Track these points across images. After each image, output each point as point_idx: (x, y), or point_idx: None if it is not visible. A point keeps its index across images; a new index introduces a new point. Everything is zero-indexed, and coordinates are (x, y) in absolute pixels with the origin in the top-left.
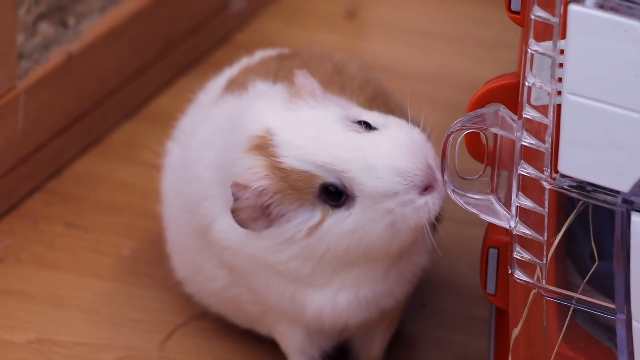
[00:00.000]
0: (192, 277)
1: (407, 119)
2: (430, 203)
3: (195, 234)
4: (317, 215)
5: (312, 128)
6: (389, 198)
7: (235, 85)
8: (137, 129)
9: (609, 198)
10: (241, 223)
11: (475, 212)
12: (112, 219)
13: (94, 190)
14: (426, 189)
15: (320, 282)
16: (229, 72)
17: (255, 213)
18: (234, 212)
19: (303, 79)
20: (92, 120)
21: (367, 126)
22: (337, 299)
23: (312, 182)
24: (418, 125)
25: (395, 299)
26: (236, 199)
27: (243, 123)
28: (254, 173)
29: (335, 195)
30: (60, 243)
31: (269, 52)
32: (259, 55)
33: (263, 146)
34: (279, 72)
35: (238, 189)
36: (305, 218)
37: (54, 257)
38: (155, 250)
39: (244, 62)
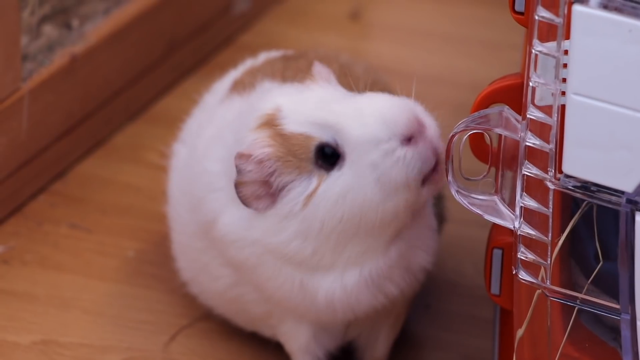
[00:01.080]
0: (196, 277)
1: None
2: (410, 155)
3: (199, 233)
4: (313, 183)
5: (316, 97)
6: (373, 147)
7: (241, 86)
8: (142, 131)
9: (613, 198)
10: (244, 200)
11: (479, 212)
12: (117, 221)
13: (98, 191)
14: (410, 140)
15: (324, 263)
16: (234, 74)
17: (258, 190)
18: (237, 186)
19: (320, 67)
20: (96, 122)
21: None
22: (345, 280)
23: (309, 144)
24: None
25: (397, 288)
26: (239, 171)
27: (257, 107)
28: (257, 142)
29: (330, 158)
30: (65, 244)
31: (274, 54)
32: (264, 56)
33: (270, 121)
34: (285, 72)
35: (241, 159)
36: (302, 188)
37: (58, 258)
38: (160, 252)
39: (249, 63)
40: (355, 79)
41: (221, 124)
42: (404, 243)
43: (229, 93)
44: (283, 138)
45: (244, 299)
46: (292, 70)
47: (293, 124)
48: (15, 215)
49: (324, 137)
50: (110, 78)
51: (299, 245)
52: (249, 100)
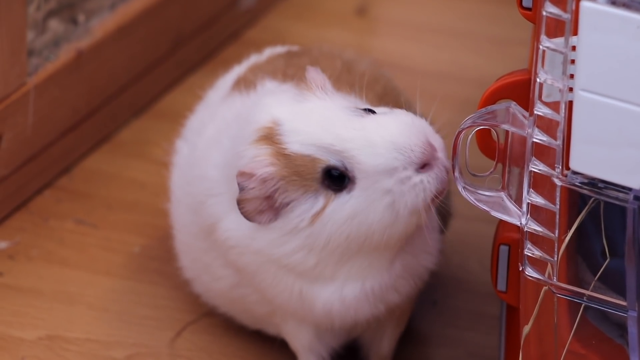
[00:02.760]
0: (199, 276)
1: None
2: (426, 181)
3: (201, 234)
4: (320, 202)
5: (317, 115)
6: (387, 175)
7: (243, 84)
8: (147, 126)
9: (620, 195)
10: (247, 215)
11: (486, 209)
12: (122, 216)
13: (104, 187)
14: (424, 166)
15: (326, 275)
16: (238, 70)
17: (261, 205)
18: (239, 203)
19: (314, 73)
20: (102, 117)
21: (372, 113)
22: (345, 292)
23: (315, 166)
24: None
25: (400, 295)
26: (242, 189)
27: (251, 117)
28: (260, 161)
29: (337, 179)
30: (70, 240)
31: (278, 50)
32: (268, 52)
33: (270, 136)
34: (287, 69)
35: (243, 178)
36: (308, 206)
37: (64, 254)
38: (165, 248)
39: (253, 59)
40: (358, 76)
41: (221, 124)
42: (408, 254)
43: (231, 90)
44: (286, 158)
45: (246, 300)
46: (294, 67)
47: (296, 145)
48: (21, 210)
49: (331, 160)
50: (116, 73)
51: (303, 257)
52: (249, 100)
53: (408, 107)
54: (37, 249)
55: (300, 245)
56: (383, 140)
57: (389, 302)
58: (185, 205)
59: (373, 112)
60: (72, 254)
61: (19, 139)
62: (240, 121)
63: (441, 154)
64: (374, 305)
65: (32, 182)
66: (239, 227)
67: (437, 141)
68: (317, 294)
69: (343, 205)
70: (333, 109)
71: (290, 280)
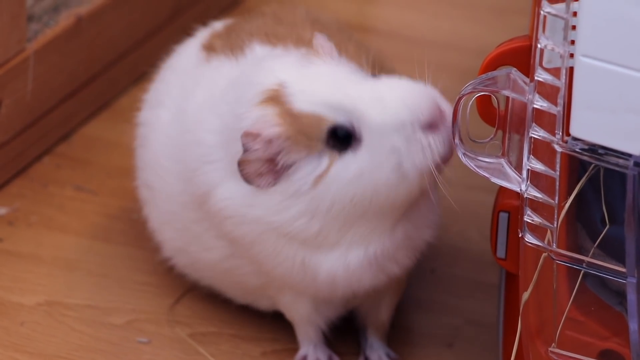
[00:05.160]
0: (186, 247)
1: None
2: (433, 142)
3: (191, 204)
4: (324, 163)
5: (326, 76)
6: (395, 132)
7: (213, 50)
8: None
9: (620, 161)
10: (246, 177)
11: (486, 175)
12: (122, 183)
13: (103, 154)
14: (432, 127)
15: (329, 241)
16: (200, 36)
17: (262, 167)
18: (240, 164)
19: (322, 40)
20: (101, 84)
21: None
22: (349, 258)
23: (321, 125)
24: None
25: (399, 267)
26: (246, 150)
27: (254, 80)
28: (266, 121)
29: (343, 140)
30: (70, 206)
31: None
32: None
33: (275, 97)
34: (276, 31)
35: (249, 138)
36: (311, 168)
37: (63, 220)
38: None
39: (217, 26)
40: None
41: (212, 88)
42: (410, 223)
43: (206, 55)
44: (292, 117)
45: (239, 271)
46: (284, 29)
47: (303, 103)
48: (20, 176)
49: (338, 118)
50: (115, 40)
51: (305, 224)
52: (242, 65)
53: (393, 73)
54: (37, 215)
55: (303, 211)
56: (393, 97)
57: (389, 272)
58: (174, 173)
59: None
60: (71, 220)
61: (18, 105)
62: (240, 85)
63: (450, 119)
64: (376, 274)
65: (31, 148)
66: (236, 194)
67: (447, 107)
68: (321, 262)
69: (348, 165)
70: (342, 72)
71: (291, 250)
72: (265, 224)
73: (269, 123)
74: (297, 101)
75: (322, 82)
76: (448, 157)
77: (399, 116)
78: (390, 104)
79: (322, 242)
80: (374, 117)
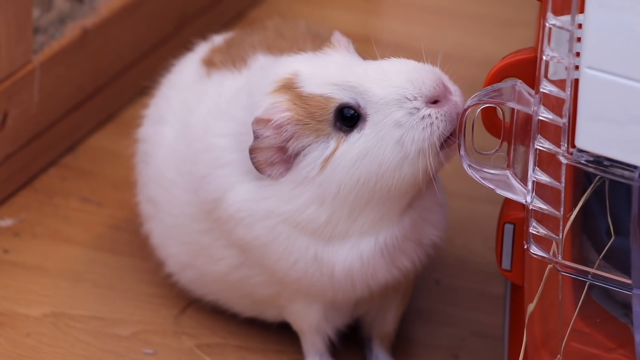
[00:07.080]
0: (193, 260)
1: None
2: (435, 116)
3: (201, 214)
4: (331, 145)
5: (336, 62)
6: (397, 106)
7: (213, 64)
8: None
9: (626, 173)
10: (258, 166)
11: (491, 187)
12: (127, 195)
13: (108, 165)
14: (436, 102)
15: (339, 231)
16: (200, 51)
17: (273, 156)
18: (252, 151)
19: (339, 36)
20: (107, 96)
21: None
22: (361, 248)
23: (328, 106)
24: None
25: (408, 260)
26: (257, 137)
27: (270, 71)
28: (277, 107)
29: (349, 120)
30: (75, 218)
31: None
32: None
33: (288, 85)
34: (277, 43)
35: (260, 125)
36: (320, 152)
37: (69, 231)
38: None
39: (211, 43)
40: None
41: (216, 100)
42: (416, 213)
43: (207, 70)
44: (302, 100)
45: (249, 282)
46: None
47: (312, 86)
48: (26, 188)
49: (344, 98)
50: (121, 52)
51: (314, 211)
52: (245, 75)
53: None
54: (42, 227)
55: (312, 198)
56: (397, 73)
57: (400, 266)
58: (180, 186)
59: None
60: (77, 231)
61: (24, 116)
62: (252, 84)
63: (456, 98)
64: (388, 266)
65: (37, 159)
66: (247, 194)
67: (452, 86)
68: (335, 255)
69: (353, 145)
70: (351, 58)
71: (304, 243)
72: (276, 216)
73: (279, 109)
74: (307, 85)
75: (331, 66)
76: (450, 132)
77: (402, 90)
78: (394, 79)
79: (332, 231)
80: (377, 92)
